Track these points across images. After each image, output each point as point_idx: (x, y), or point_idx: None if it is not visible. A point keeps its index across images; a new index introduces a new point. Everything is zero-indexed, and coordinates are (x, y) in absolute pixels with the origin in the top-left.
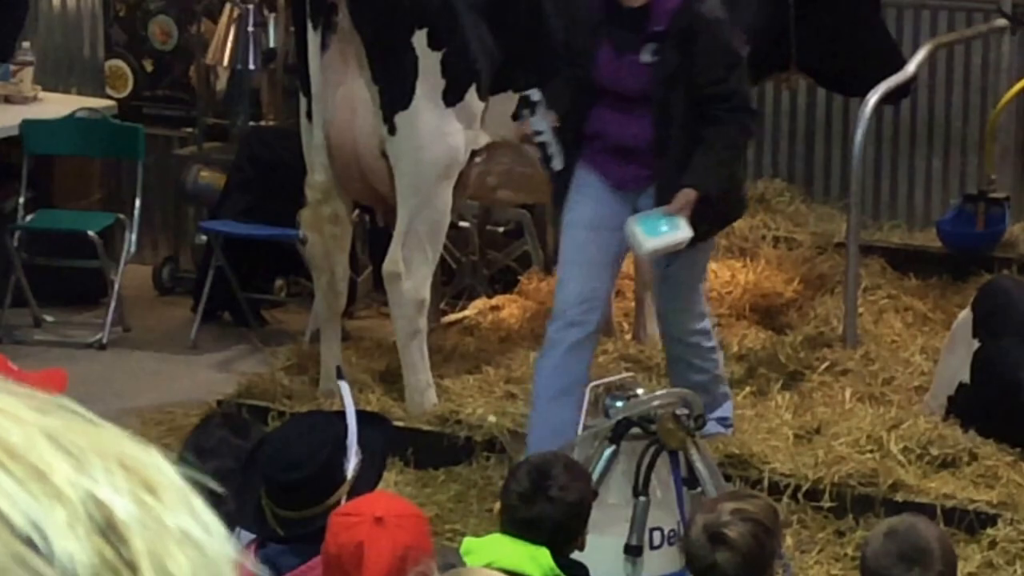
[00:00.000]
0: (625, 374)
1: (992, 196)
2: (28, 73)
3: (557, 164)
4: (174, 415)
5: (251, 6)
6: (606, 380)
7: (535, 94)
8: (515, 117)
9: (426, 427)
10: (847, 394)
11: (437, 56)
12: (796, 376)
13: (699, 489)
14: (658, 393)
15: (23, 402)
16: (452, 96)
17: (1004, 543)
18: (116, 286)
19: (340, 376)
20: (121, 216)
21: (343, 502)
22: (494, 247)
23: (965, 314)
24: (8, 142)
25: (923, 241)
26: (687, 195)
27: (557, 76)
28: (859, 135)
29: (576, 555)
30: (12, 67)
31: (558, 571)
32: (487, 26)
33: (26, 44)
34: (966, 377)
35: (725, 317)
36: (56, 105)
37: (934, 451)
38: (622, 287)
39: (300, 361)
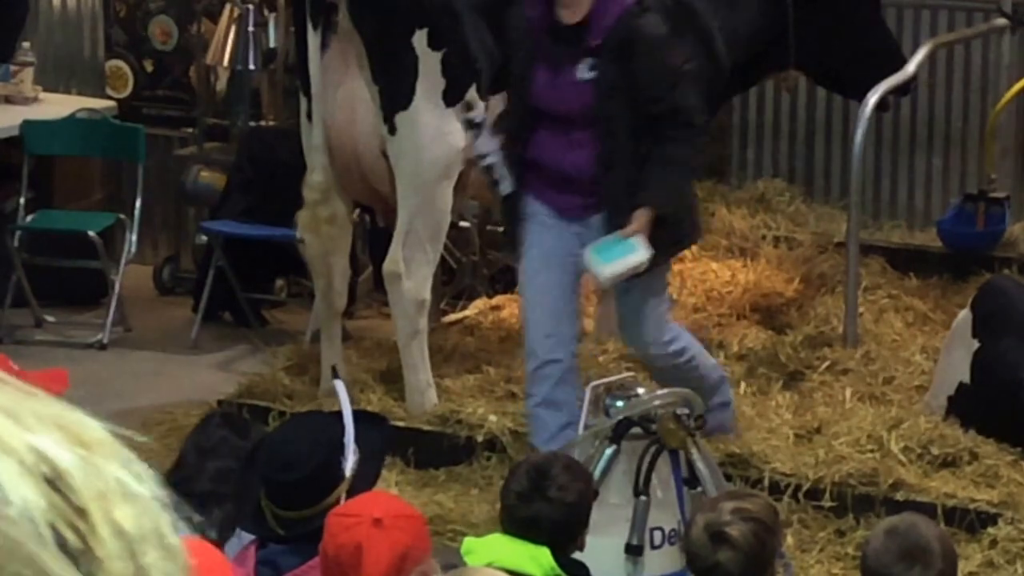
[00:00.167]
0: (625, 374)
1: (992, 196)
2: (28, 73)
3: (505, 188)
4: (175, 415)
5: (251, 6)
6: (606, 380)
7: (478, 116)
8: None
9: (427, 427)
10: (847, 394)
11: (437, 56)
12: (796, 376)
13: (700, 489)
14: (659, 393)
15: None
16: (452, 96)
17: (1005, 542)
18: (117, 286)
19: (336, 375)
20: (122, 216)
21: (342, 501)
22: (494, 247)
23: (965, 314)
24: (8, 142)
25: (923, 241)
26: (642, 214)
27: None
28: (859, 135)
29: (577, 555)
30: (12, 67)
31: (559, 571)
32: (487, 26)
33: (26, 44)
34: (966, 377)
35: (725, 317)
36: (56, 105)
37: (935, 450)
38: None
39: (301, 361)
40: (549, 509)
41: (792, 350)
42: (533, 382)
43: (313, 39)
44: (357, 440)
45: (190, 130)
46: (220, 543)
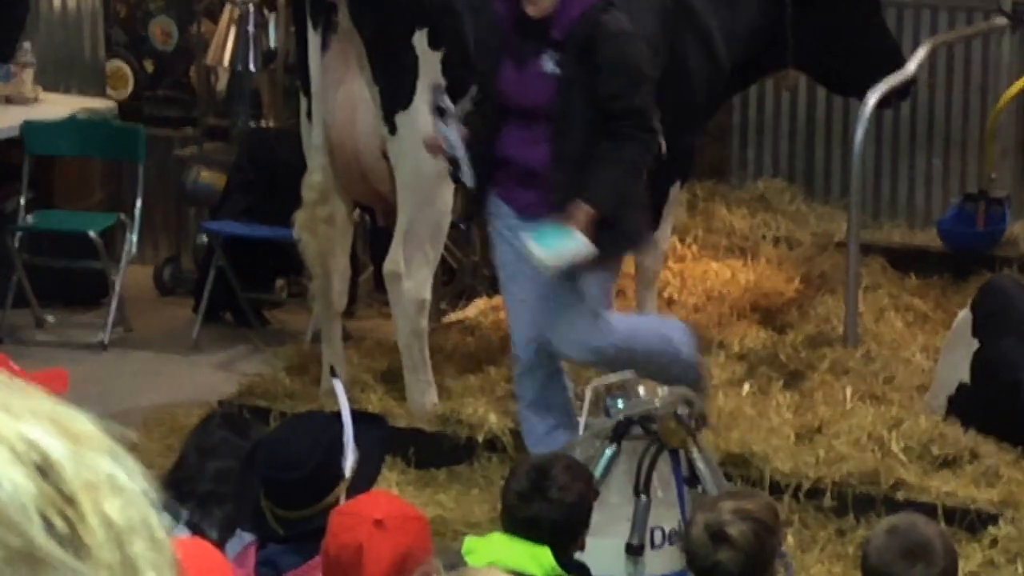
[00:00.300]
0: (625, 374)
1: (992, 195)
2: (29, 74)
3: (468, 181)
4: (175, 415)
5: (251, 6)
6: (607, 380)
7: (445, 100)
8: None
9: (427, 427)
10: (848, 393)
11: (437, 56)
12: (797, 375)
13: (700, 488)
14: (659, 392)
15: None
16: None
17: (1005, 542)
18: (117, 286)
19: (334, 375)
20: (122, 216)
21: (341, 501)
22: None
23: (965, 314)
24: (9, 143)
25: (923, 240)
26: (579, 208)
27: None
28: (859, 135)
29: (578, 555)
30: (13, 68)
31: (559, 570)
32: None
33: (27, 45)
34: (966, 377)
35: (726, 316)
36: (57, 106)
37: (935, 450)
38: (623, 287)
39: (301, 361)
40: (550, 509)
41: (792, 350)
42: (519, 385)
43: (313, 39)
44: (356, 440)
45: (190, 130)
46: (220, 543)
